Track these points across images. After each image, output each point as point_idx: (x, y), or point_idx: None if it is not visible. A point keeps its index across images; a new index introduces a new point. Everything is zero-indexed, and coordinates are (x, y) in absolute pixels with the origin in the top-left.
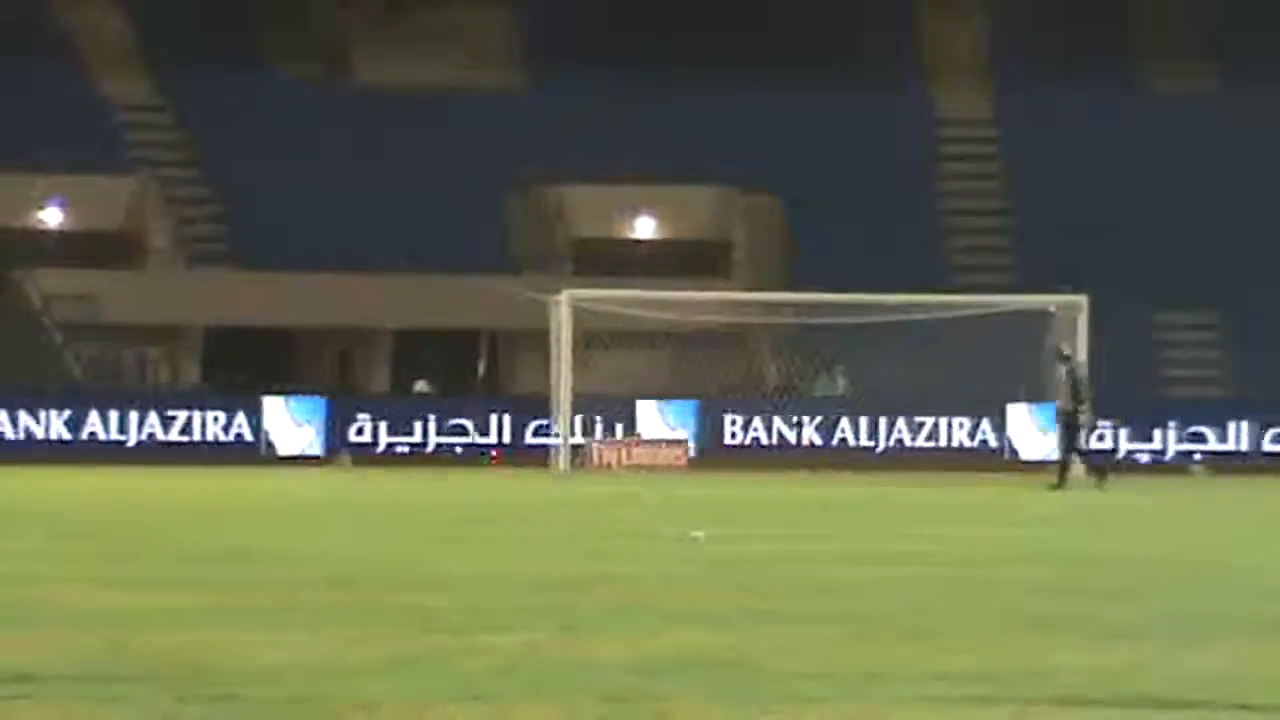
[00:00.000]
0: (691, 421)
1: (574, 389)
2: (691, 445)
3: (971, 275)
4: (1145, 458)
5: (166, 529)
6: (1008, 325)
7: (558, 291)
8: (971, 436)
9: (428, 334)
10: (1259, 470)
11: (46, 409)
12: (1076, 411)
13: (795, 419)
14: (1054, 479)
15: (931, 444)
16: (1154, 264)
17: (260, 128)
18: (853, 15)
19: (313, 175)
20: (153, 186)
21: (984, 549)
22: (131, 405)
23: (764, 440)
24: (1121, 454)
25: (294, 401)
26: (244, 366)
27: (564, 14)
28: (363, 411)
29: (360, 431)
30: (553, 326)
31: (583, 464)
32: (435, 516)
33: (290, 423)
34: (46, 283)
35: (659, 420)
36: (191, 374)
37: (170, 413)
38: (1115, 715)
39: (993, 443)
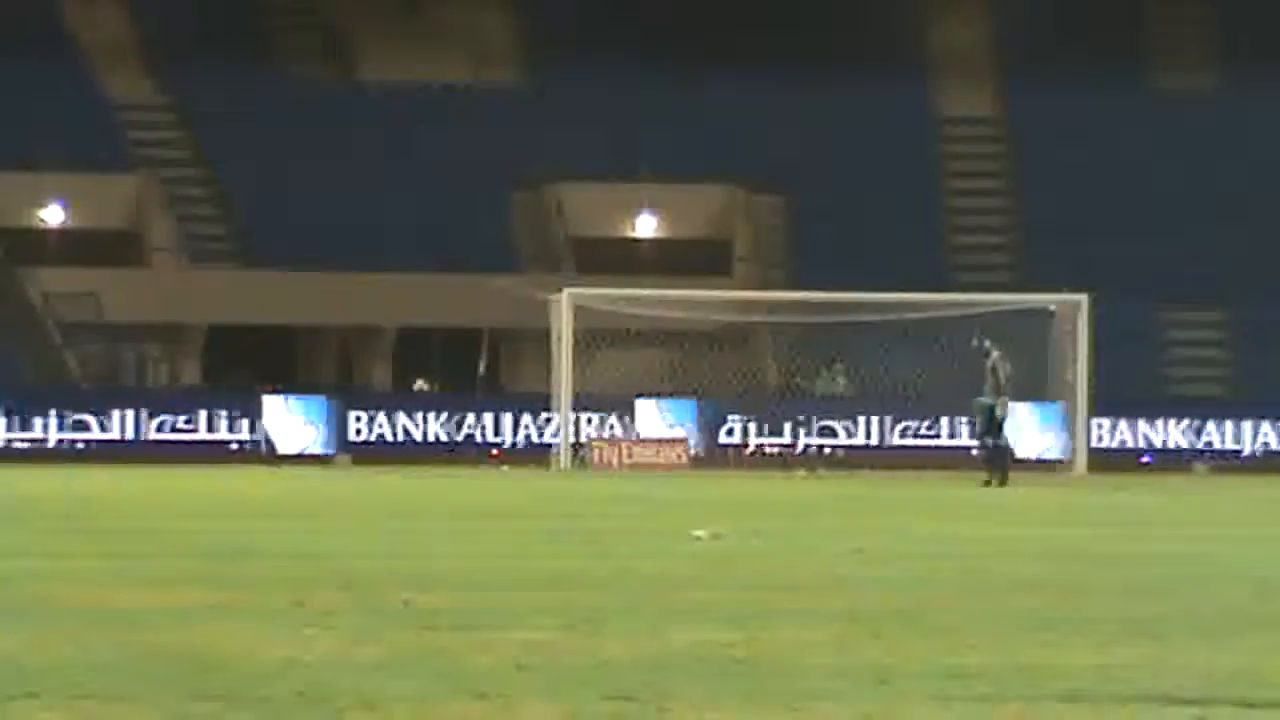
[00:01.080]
0: (692, 421)
1: (575, 388)
2: (692, 444)
3: (974, 274)
4: (1148, 457)
5: (172, 527)
6: (1009, 324)
7: (559, 290)
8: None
9: (430, 332)
10: (1262, 469)
11: (48, 408)
12: (995, 404)
13: (798, 418)
14: (987, 476)
15: (933, 442)
16: (1157, 262)
17: (262, 126)
18: (856, 12)
19: (314, 174)
20: (154, 185)
21: (992, 547)
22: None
23: (765, 440)
24: (1123, 453)
25: (294, 400)
26: (245, 365)
27: (567, 13)
28: (365, 409)
29: (358, 431)
30: (553, 325)
31: (583, 463)
32: (437, 514)
33: (293, 421)
34: (48, 281)
35: (660, 419)
36: (193, 373)
37: (174, 412)
38: (1125, 713)
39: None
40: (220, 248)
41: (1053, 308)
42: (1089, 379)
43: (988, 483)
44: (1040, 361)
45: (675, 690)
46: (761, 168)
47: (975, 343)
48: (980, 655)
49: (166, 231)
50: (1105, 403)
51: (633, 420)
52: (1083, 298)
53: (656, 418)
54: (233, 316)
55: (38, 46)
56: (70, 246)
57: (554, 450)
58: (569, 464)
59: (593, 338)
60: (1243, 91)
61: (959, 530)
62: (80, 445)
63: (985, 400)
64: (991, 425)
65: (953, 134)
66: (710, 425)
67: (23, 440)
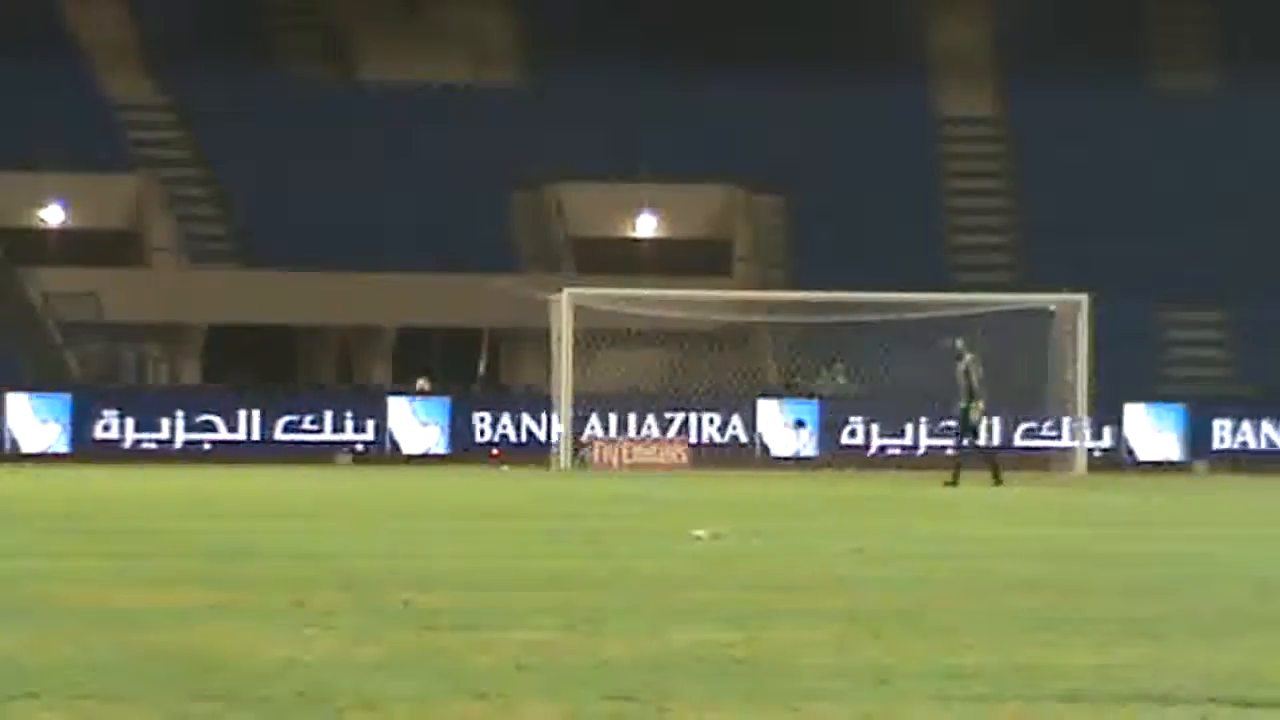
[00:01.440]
0: (691, 420)
1: (575, 387)
2: (691, 444)
3: (973, 274)
4: (1147, 456)
5: (172, 527)
6: (1009, 324)
7: (559, 290)
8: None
9: (430, 332)
10: (1263, 468)
11: (50, 407)
12: (969, 408)
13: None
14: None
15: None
16: (1157, 262)
17: (262, 126)
18: (856, 12)
19: (315, 173)
20: (155, 185)
21: (992, 547)
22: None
23: (765, 439)
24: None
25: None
26: (246, 365)
27: (567, 13)
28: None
29: (360, 430)
30: (553, 325)
31: (583, 462)
32: (437, 514)
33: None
34: (48, 281)
35: (781, 418)
36: (193, 373)
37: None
38: (1125, 713)
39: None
40: (220, 248)
41: (1053, 308)
42: (1089, 379)
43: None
44: (1040, 361)
45: (675, 690)
46: (761, 168)
47: (949, 344)
48: (980, 655)
49: (166, 231)
50: (1105, 403)
51: (633, 420)
52: (1083, 298)
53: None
54: (233, 316)
55: (38, 46)
56: (70, 246)
57: (554, 450)
58: (569, 464)
59: (593, 338)
60: (1243, 91)
61: (959, 530)
62: (85, 445)
63: (961, 403)
64: (965, 428)
65: (953, 134)
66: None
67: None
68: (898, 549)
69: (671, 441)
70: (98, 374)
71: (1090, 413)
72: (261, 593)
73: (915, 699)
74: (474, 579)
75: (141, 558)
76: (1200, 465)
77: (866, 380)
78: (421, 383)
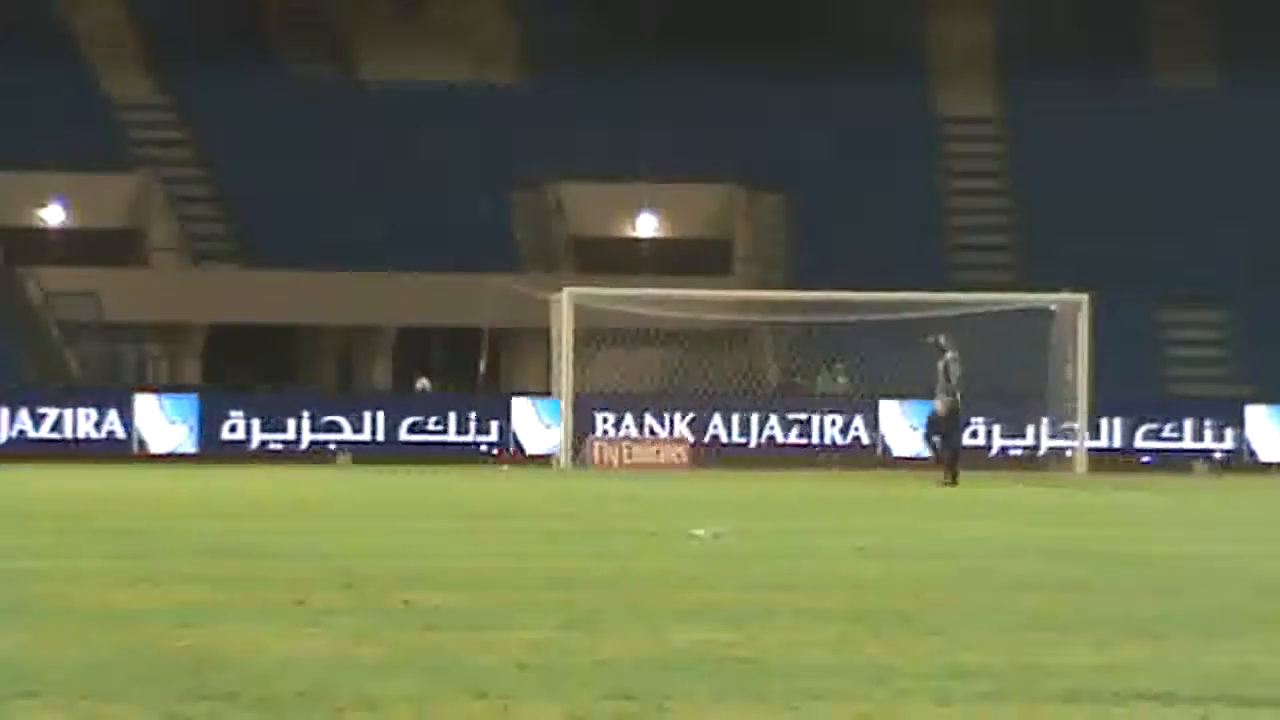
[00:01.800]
0: (689, 419)
1: (575, 387)
2: (691, 443)
3: (973, 274)
4: (1149, 456)
5: (173, 526)
6: (1009, 324)
7: (559, 290)
8: (973, 432)
9: (430, 332)
10: (1264, 468)
11: (51, 407)
12: (938, 404)
13: (800, 417)
14: (943, 476)
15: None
16: (1157, 262)
17: (262, 125)
18: (857, 11)
19: (315, 173)
20: (155, 184)
21: (992, 547)
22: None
23: (766, 439)
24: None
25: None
26: (246, 364)
27: (567, 13)
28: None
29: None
30: (554, 325)
31: (583, 462)
32: (437, 514)
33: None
34: (48, 281)
35: (660, 418)
36: (193, 373)
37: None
38: (1125, 712)
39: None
40: (221, 247)
41: (1053, 308)
42: (1089, 379)
43: (952, 481)
44: (1040, 361)
45: (675, 690)
46: (761, 168)
47: (930, 339)
48: (980, 655)
49: (167, 231)
50: (1105, 403)
51: (633, 419)
52: (1083, 298)
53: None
54: (233, 316)
55: (38, 46)
56: (71, 246)
57: (554, 450)
58: (569, 463)
59: (593, 337)
60: (1243, 91)
61: (959, 530)
62: (83, 444)
63: (946, 399)
64: (937, 425)
65: (953, 134)
66: (710, 424)
67: (27, 439)
68: (898, 548)
69: (671, 441)
70: (98, 374)
71: (1090, 412)
72: (261, 593)
73: (915, 698)
74: (474, 579)
75: (141, 557)
76: (1200, 465)
77: (868, 380)
78: (422, 383)
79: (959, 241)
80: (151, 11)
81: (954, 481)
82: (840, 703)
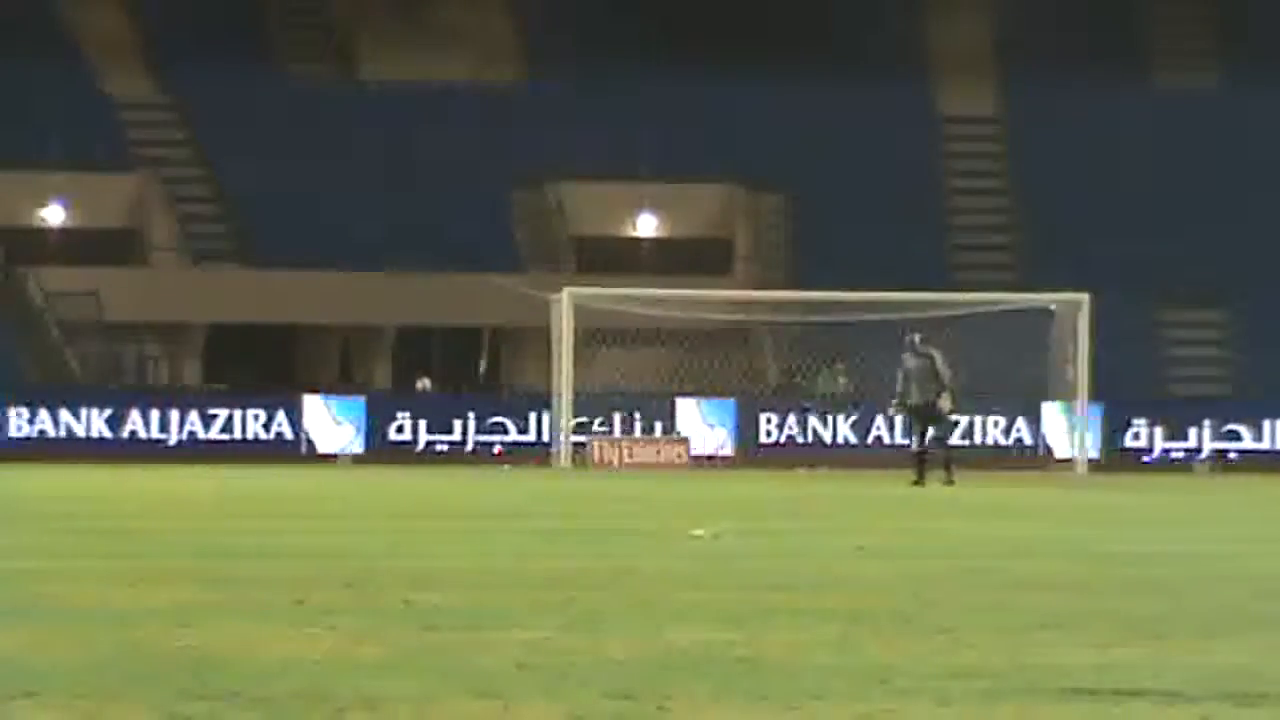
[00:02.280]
0: (688, 419)
1: (575, 387)
2: (690, 443)
3: (974, 274)
4: (1149, 456)
5: (173, 526)
6: (1009, 324)
7: (559, 289)
8: (973, 433)
9: (430, 332)
10: (1264, 468)
11: (50, 406)
12: (934, 403)
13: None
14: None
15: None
16: (1157, 262)
17: (263, 124)
18: (857, 11)
19: (315, 172)
20: (155, 184)
21: (993, 547)
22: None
23: (765, 439)
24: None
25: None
26: (246, 364)
27: (567, 13)
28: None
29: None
30: (554, 324)
31: (584, 462)
32: (437, 514)
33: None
34: (49, 281)
35: (660, 418)
36: (193, 373)
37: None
38: (1126, 712)
39: (998, 439)
40: (221, 247)
41: (1053, 308)
42: (1089, 379)
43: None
44: (1040, 361)
45: (675, 690)
46: (761, 168)
47: (916, 338)
48: (980, 654)
49: (167, 230)
50: (1105, 403)
51: (634, 419)
52: (1083, 298)
53: (657, 416)
54: (233, 316)
55: (38, 45)
56: (71, 246)
57: (554, 449)
58: (569, 463)
59: (593, 337)
60: (1243, 91)
61: (959, 530)
62: (84, 444)
63: (926, 398)
64: (930, 422)
65: (953, 134)
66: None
67: (27, 438)
68: (898, 548)
69: (671, 441)
70: (98, 374)
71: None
72: (261, 592)
73: (915, 698)
74: (474, 579)
75: (141, 557)
76: (1199, 464)
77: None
78: (422, 383)
79: (959, 241)
80: (151, 11)
81: (919, 482)
82: (840, 703)
